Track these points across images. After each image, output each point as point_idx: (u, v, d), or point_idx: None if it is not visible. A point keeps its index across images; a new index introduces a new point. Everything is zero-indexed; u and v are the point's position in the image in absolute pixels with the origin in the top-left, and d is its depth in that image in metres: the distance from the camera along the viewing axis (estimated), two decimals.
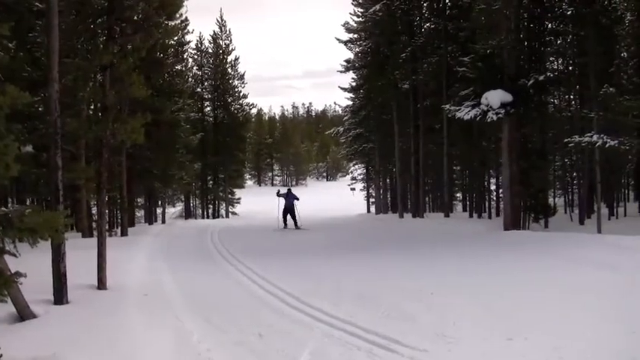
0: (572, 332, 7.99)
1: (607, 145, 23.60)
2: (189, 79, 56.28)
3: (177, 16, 22.60)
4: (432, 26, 41.20)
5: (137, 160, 33.67)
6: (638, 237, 18.18)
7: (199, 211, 61.86)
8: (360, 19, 46.86)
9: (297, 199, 32.56)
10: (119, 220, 33.51)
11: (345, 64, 51.29)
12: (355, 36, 48.84)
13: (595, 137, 23.98)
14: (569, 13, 30.21)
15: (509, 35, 26.19)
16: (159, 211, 48.78)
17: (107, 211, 26.90)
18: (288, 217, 32.01)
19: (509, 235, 23.16)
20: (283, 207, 32.40)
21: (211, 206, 61.71)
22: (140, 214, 44.42)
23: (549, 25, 31.31)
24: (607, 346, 7.37)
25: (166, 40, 33.56)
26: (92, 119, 16.31)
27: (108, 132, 12.69)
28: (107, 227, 22.70)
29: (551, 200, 38.60)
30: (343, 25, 48.14)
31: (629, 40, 33.82)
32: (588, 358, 7.00)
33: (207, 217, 58.31)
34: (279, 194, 33.43)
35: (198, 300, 11.59)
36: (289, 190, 33.19)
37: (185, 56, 51.66)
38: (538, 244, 18.58)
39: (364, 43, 47.77)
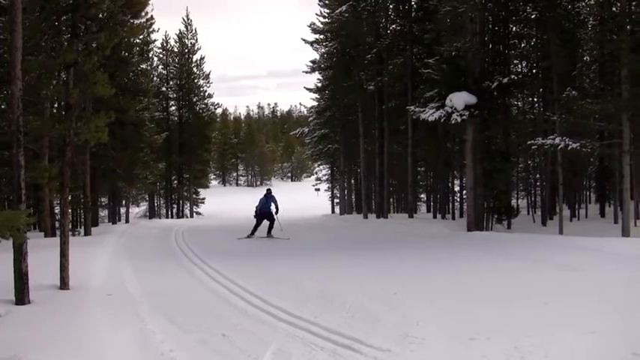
0: (534, 332, 8.08)
1: (569, 148, 23.86)
2: (155, 78, 56.07)
3: (143, 14, 22.48)
4: (398, 28, 41.40)
5: (101, 159, 33.43)
6: (598, 238, 18.44)
7: (164, 211, 61.53)
8: (327, 19, 46.96)
9: (277, 205, 26.23)
10: (82, 220, 33.27)
11: (310, 64, 51.30)
12: (321, 37, 48.87)
13: (557, 140, 24.23)
14: (533, 16, 30.55)
15: (474, 38, 26.42)
16: (123, 210, 48.42)
17: (70, 210, 26.73)
18: (262, 224, 25.78)
19: (473, 236, 23.35)
20: (260, 212, 25.94)
21: (176, 206, 61.40)
22: (104, 213, 44.04)
23: (513, 29, 31.66)
24: (567, 346, 7.45)
25: (131, 39, 33.36)
26: (55, 118, 16.21)
27: (71, 131, 12.60)
28: (70, 227, 22.57)
29: (514, 202, 38.90)
30: (309, 26, 48.18)
31: (591, 44, 34.21)
32: (549, 357, 7.08)
33: (172, 217, 58.03)
34: (256, 212, 26.24)
35: (161, 300, 11.54)
36: (269, 191, 26.70)
37: (150, 55, 51.39)
38: (501, 245, 18.73)
39: (330, 44, 47.82)
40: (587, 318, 8.68)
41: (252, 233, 25.35)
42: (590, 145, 25.24)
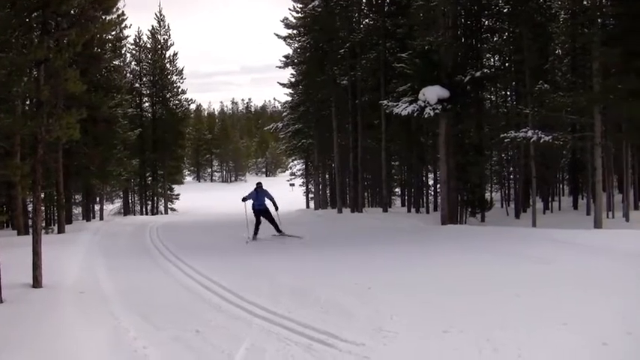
0: (506, 324, 8.12)
1: (541, 141, 24.03)
2: (128, 75, 55.73)
3: (114, 10, 22.37)
4: (371, 22, 41.37)
5: (74, 156, 33.21)
6: (571, 230, 18.58)
7: (138, 208, 61.26)
8: (300, 14, 46.85)
9: (274, 201, 23.20)
10: (56, 217, 33.06)
11: (284, 59, 51.31)
12: (294, 32, 48.75)
13: (530, 133, 24.39)
14: (505, 10, 30.68)
15: (447, 32, 26.50)
16: (97, 207, 48.20)
17: (43, 208, 26.55)
18: (262, 223, 22.92)
19: (447, 230, 23.43)
20: (252, 209, 23.24)
21: (150, 203, 61.18)
22: (77, 211, 43.75)
23: (486, 23, 31.75)
24: (539, 337, 7.51)
25: (103, 35, 33.20)
26: (27, 115, 16.09)
27: (43, 128, 12.51)
28: (43, 224, 22.43)
29: (487, 195, 39.13)
30: (282, 21, 48.04)
31: (563, 37, 34.51)
32: (521, 349, 7.12)
33: (146, 214, 57.79)
34: (244, 198, 23.81)
35: (135, 297, 11.49)
36: (259, 185, 23.79)
37: (123, 51, 51.12)
38: (474, 238, 18.85)
39: (303, 39, 47.73)
40: (559, 310, 8.75)
41: (256, 234, 22.29)
42: (563, 138, 25.43)
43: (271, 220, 22.83)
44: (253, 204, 23.17)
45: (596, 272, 11.57)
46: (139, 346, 8.03)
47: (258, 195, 23.13)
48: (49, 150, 24.78)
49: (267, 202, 23.22)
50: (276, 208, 22.94)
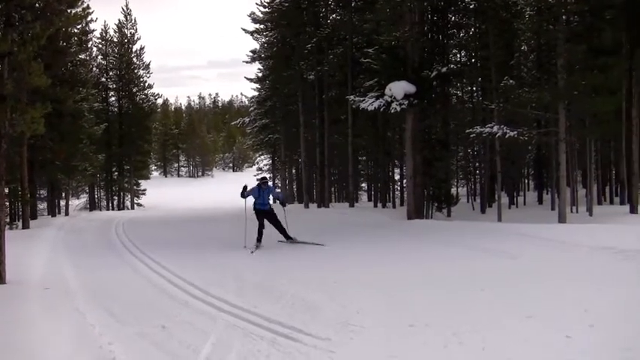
0: (472, 318, 8.18)
1: (507, 136, 24.20)
2: (94, 69, 55.48)
3: (80, 3, 22.15)
4: (338, 18, 41.45)
5: (39, 150, 33.00)
6: (536, 225, 18.72)
7: (104, 203, 60.91)
8: (267, 9, 46.79)
9: (281, 199, 20.76)
10: (21, 213, 32.78)
11: (251, 54, 51.33)
12: (261, 26, 48.68)
13: (495, 128, 24.54)
14: (471, 7, 30.84)
15: (413, 27, 26.55)
16: (62, 203, 47.83)
17: (7, 203, 26.30)
18: (266, 228, 18.68)
19: (413, 225, 23.51)
20: (253, 209, 19.07)
21: (116, 198, 60.86)
22: (43, 206, 43.41)
23: (452, 18, 31.89)
24: (504, 330, 7.58)
25: (69, 29, 32.98)
26: None
27: (6, 122, 12.40)
28: (7, 220, 22.24)
29: (454, 190, 39.44)
30: (249, 16, 47.97)
31: (528, 34, 34.78)
32: (485, 342, 7.18)
33: (113, 209, 57.52)
34: (244, 193, 19.20)
35: (101, 293, 11.43)
36: (264, 181, 19.62)
37: (89, 45, 50.77)
38: (440, 233, 18.93)
39: (270, 34, 47.75)
40: (523, 303, 8.84)
41: (259, 240, 18.08)
42: (528, 134, 25.59)
43: (277, 224, 18.77)
44: (255, 203, 18.91)
45: (560, 266, 11.68)
46: (105, 342, 7.99)
47: (262, 192, 18.90)
48: (13, 144, 24.60)
49: (272, 201, 20.08)
50: (284, 205, 19.89)
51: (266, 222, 18.70)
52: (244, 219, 19.13)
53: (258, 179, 20.41)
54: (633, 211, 24.32)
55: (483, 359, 6.76)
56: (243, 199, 19.59)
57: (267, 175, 63.07)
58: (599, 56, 22.77)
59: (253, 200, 19.03)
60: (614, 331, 7.35)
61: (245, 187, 19.27)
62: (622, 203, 31.22)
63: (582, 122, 28.66)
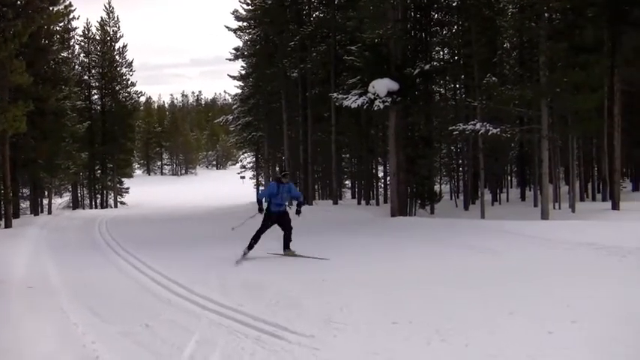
0: (455, 315, 8.20)
1: (489, 133, 24.28)
2: (76, 67, 55.34)
3: (62, 1, 22.16)
4: (321, 15, 41.44)
5: (21, 149, 32.84)
6: (520, 222, 18.81)
7: (87, 202, 60.74)
8: (250, 7, 46.73)
9: (300, 200, 16.28)
10: (3, 212, 32.63)
11: (234, 52, 51.24)
12: (245, 24, 48.66)
13: (478, 125, 24.64)
14: (454, 4, 30.94)
15: (396, 25, 26.59)
16: (45, 201, 47.64)
17: None
18: (266, 233, 15.12)
19: (396, 222, 23.55)
20: (266, 211, 15.20)
21: (100, 196, 60.70)
22: (25, 204, 43.16)
23: (435, 16, 31.91)
24: (487, 327, 7.60)
25: (51, 26, 32.82)
26: None
27: None
28: None
29: (437, 187, 39.53)
30: (232, 13, 47.91)
31: (511, 31, 34.88)
32: (469, 339, 7.21)
33: (96, 208, 57.36)
34: (261, 200, 15.89)
35: (84, 291, 11.37)
36: (284, 174, 15.56)
37: (71, 43, 50.70)
38: (424, 230, 18.98)
39: (253, 32, 47.79)
40: (506, 300, 8.87)
41: (251, 246, 14.82)
42: (510, 131, 25.72)
43: (288, 232, 15.14)
44: (270, 204, 15.10)
45: (543, 262, 11.74)
46: (88, 341, 7.95)
47: (280, 189, 15.00)
48: None
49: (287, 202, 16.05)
50: (299, 211, 15.78)
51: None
52: (243, 219, 16.06)
53: (278, 176, 16.14)
54: (615, 207, 24.48)
55: (466, 356, 6.77)
56: (260, 207, 15.50)
57: (251, 173, 63.34)
58: (581, 54, 22.88)
59: (269, 200, 15.12)
60: (595, 326, 7.39)
61: (260, 202, 15.76)
62: (604, 200, 31.44)
63: (564, 119, 28.82)
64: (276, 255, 15.00)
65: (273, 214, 14.99)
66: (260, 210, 15.26)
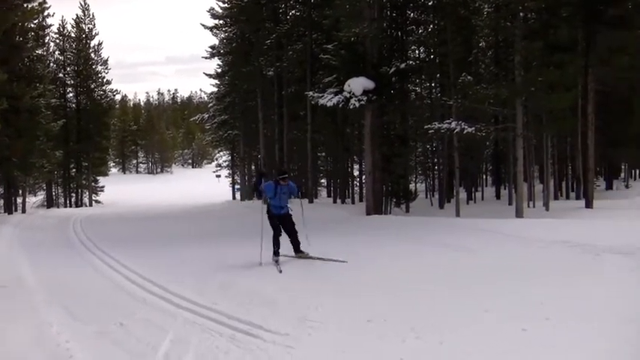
0: (430, 313, 8.23)
1: (465, 132, 24.38)
2: (51, 64, 54.96)
3: None
4: (297, 13, 41.43)
5: None
6: (495, 220, 18.91)
7: (62, 200, 60.33)
8: (226, 4, 46.69)
9: (298, 192, 14.73)
10: None
11: (210, 50, 51.14)
12: (221, 22, 48.65)
13: (454, 124, 24.72)
14: (430, 3, 31.05)
15: (372, 24, 26.62)
16: (19, 200, 47.28)
17: None
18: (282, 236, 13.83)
19: (372, 220, 23.56)
20: (267, 213, 13.98)
21: (74, 195, 60.35)
22: None
23: (411, 15, 32.00)
24: (462, 325, 7.64)
25: (25, 24, 32.59)
26: None
27: None
28: None
29: (412, 185, 39.61)
30: (209, 11, 47.88)
31: (486, 30, 35.01)
32: (443, 336, 7.24)
33: (71, 206, 57.02)
34: (257, 186, 14.29)
35: (59, 291, 11.32)
36: (283, 176, 13.90)
37: (46, 40, 50.36)
38: (399, 229, 18.98)
39: (230, 30, 47.76)
40: (481, 297, 8.91)
41: (277, 251, 13.49)
42: (485, 129, 25.84)
43: (293, 234, 13.94)
44: (270, 206, 13.90)
45: (518, 260, 11.78)
46: (62, 341, 7.93)
47: (279, 191, 13.76)
48: None
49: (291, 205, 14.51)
50: (298, 193, 14.67)
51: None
52: (260, 226, 14.12)
53: (277, 177, 14.06)
54: (589, 205, 24.65)
55: (441, 353, 6.80)
56: (258, 191, 14.41)
57: (227, 172, 63.28)
58: (556, 53, 23.03)
59: (268, 200, 13.89)
60: (568, 323, 7.45)
61: (260, 176, 14.60)
62: (578, 198, 31.65)
63: (539, 118, 29.00)
64: (288, 257, 13.70)
65: (276, 216, 13.81)
66: (254, 188, 14.14)
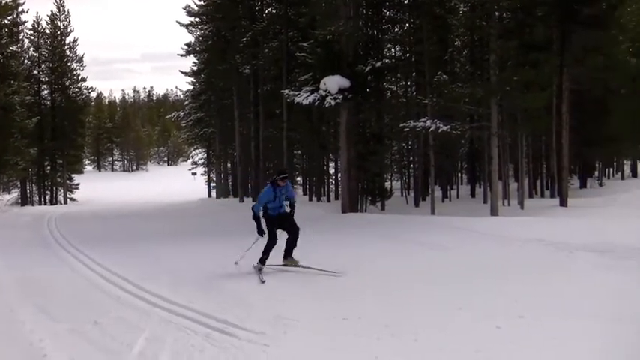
0: (404, 311, 8.27)
1: (440, 130, 24.47)
2: (25, 61, 54.64)
3: None
4: (273, 11, 41.38)
5: None
6: (470, 218, 18.98)
7: (37, 198, 59.95)
8: (202, 2, 46.62)
9: (292, 203, 12.73)
10: None
11: (186, 47, 51.05)
12: (197, 19, 48.59)
13: (429, 122, 24.79)
14: (406, 2, 31.10)
15: (348, 22, 26.62)
16: None
17: None
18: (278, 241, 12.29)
19: (347, 219, 23.60)
20: (264, 217, 12.32)
21: (49, 193, 60.00)
22: None
23: (387, 13, 32.07)
24: (436, 323, 7.68)
25: None
26: None
27: None
28: None
29: (388, 184, 39.69)
30: (185, 9, 47.78)
31: (462, 30, 35.17)
32: (417, 333, 7.27)
33: (45, 204, 56.66)
34: (256, 213, 12.20)
35: (32, 289, 11.27)
36: (282, 176, 12.34)
37: (21, 37, 50.06)
38: (374, 227, 19.01)
39: (206, 27, 47.67)
40: (455, 295, 8.96)
41: (265, 259, 11.91)
42: (461, 128, 25.93)
43: (294, 234, 12.50)
44: (268, 209, 12.35)
45: (492, 258, 11.84)
46: (35, 339, 7.89)
47: (278, 193, 12.35)
48: None
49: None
50: (292, 214, 12.71)
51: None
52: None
53: (275, 177, 12.49)
54: (563, 204, 24.80)
55: (415, 350, 6.84)
56: (260, 227, 12.16)
57: (202, 170, 63.14)
58: (531, 52, 23.16)
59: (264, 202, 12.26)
60: (542, 321, 7.50)
61: (258, 219, 12.24)
62: (552, 196, 31.87)
63: (514, 117, 29.14)
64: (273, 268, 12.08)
65: (273, 218, 12.29)
66: (260, 232, 12.06)
